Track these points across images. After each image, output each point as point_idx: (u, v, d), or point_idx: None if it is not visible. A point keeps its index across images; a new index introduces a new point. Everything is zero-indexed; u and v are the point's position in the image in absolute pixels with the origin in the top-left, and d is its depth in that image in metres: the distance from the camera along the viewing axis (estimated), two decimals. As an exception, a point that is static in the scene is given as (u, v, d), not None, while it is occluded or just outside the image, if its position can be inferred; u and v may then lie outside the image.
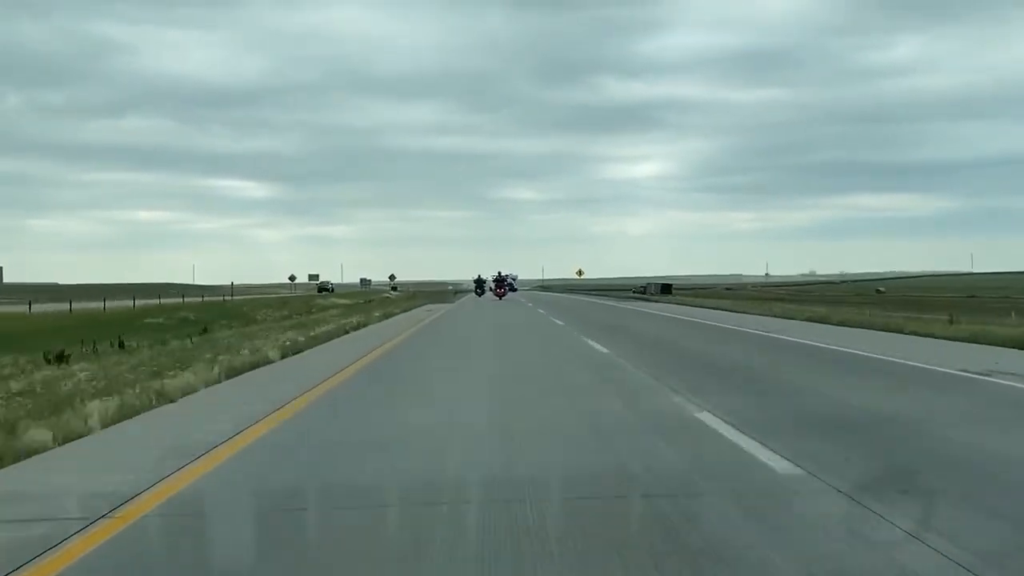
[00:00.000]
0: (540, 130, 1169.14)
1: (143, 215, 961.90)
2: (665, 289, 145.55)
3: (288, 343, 27.15)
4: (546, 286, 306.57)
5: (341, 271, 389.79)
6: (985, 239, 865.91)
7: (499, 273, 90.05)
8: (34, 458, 10.52)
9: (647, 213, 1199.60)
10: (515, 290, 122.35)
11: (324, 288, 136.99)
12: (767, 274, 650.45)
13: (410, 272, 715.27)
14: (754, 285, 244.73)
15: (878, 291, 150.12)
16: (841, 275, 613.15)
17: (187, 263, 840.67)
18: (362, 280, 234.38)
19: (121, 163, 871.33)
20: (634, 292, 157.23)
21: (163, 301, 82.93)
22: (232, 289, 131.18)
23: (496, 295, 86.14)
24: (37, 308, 72.70)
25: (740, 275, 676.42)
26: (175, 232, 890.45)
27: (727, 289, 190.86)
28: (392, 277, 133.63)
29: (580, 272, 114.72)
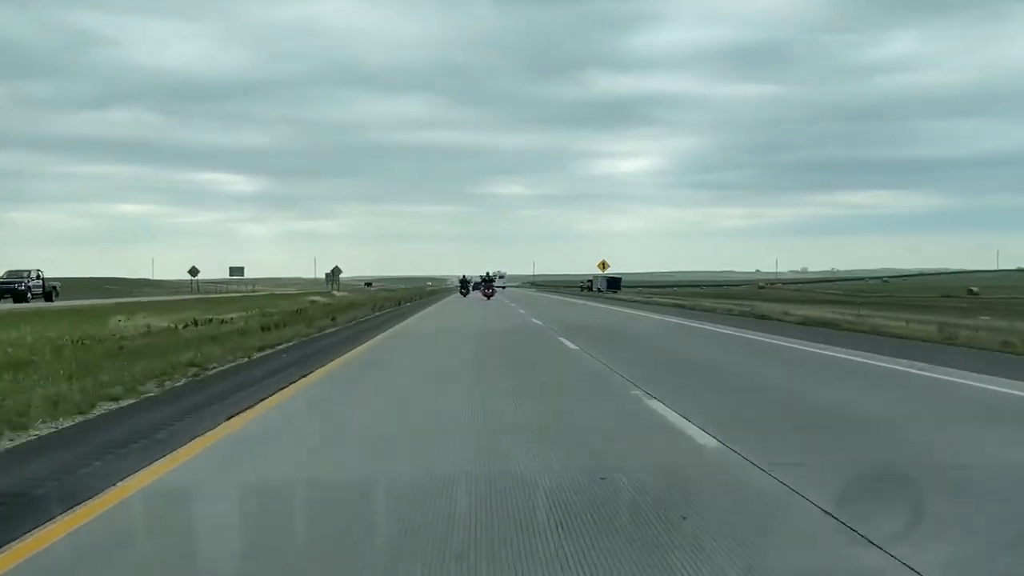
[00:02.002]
0: (529, 125, 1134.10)
1: (126, 208, 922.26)
2: (613, 284, 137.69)
3: None
4: (536, 283, 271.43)
5: (314, 265, 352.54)
6: (982, 237, 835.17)
7: (487, 273, 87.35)
8: None
9: (637, 209, 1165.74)
10: (503, 288, 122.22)
11: (6, 290, 60.98)
12: (757, 270, 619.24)
13: (399, 268, 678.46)
14: (784, 283, 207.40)
15: (971, 292, 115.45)
16: (833, 272, 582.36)
17: (168, 258, 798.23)
18: (327, 276, 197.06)
19: (104, 156, 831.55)
20: (581, 287, 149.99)
21: None
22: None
23: (484, 295, 78.67)
24: None
25: (731, 271, 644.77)
26: (156, 226, 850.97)
27: (760, 288, 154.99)
28: (336, 270, 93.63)
29: (604, 264, 77.95)
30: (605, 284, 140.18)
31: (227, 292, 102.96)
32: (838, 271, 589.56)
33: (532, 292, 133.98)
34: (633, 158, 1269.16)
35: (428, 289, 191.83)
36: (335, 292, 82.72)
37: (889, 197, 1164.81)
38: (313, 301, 60.17)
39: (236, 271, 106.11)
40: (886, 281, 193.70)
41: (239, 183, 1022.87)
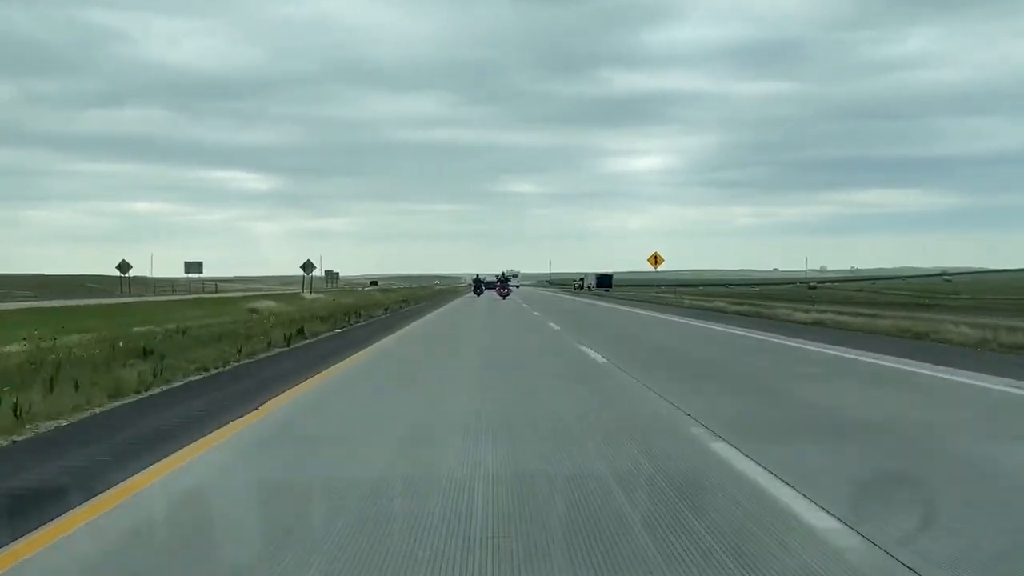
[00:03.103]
0: (542, 123, 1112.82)
1: (137, 206, 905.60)
2: (604, 282, 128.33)
3: None
4: (552, 281, 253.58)
5: (320, 262, 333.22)
6: (1001, 235, 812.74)
7: (502, 273, 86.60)
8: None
9: (651, 207, 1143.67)
10: (517, 287, 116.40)
11: None
12: (775, 268, 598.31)
13: (411, 266, 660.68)
14: (830, 282, 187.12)
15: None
16: (853, 271, 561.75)
17: (173, 256, 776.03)
18: (328, 273, 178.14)
19: (115, 154, 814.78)
20: (575, 286, 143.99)
21: None
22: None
23: (500, 294, 76.86)
24: None
25: (748, 270, 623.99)
26: (165, 224, 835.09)
27: (811, 288, 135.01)
28: (310, 266, 72.86)
29: (656, 259, 58.36)
30: (595, 282, 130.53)
31: (172, 293, 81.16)
32: (858, 270, 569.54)
33: (549, 292, 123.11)
34: (646, 156, 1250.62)
35: (436, 288, 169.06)
36: (305, 294, 62.79)
37: (903, 196, 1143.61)
38: (254, 310, 40.48)
39: (193, 267, 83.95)
40: (949, 280, 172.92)
41: (250, 181, 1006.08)
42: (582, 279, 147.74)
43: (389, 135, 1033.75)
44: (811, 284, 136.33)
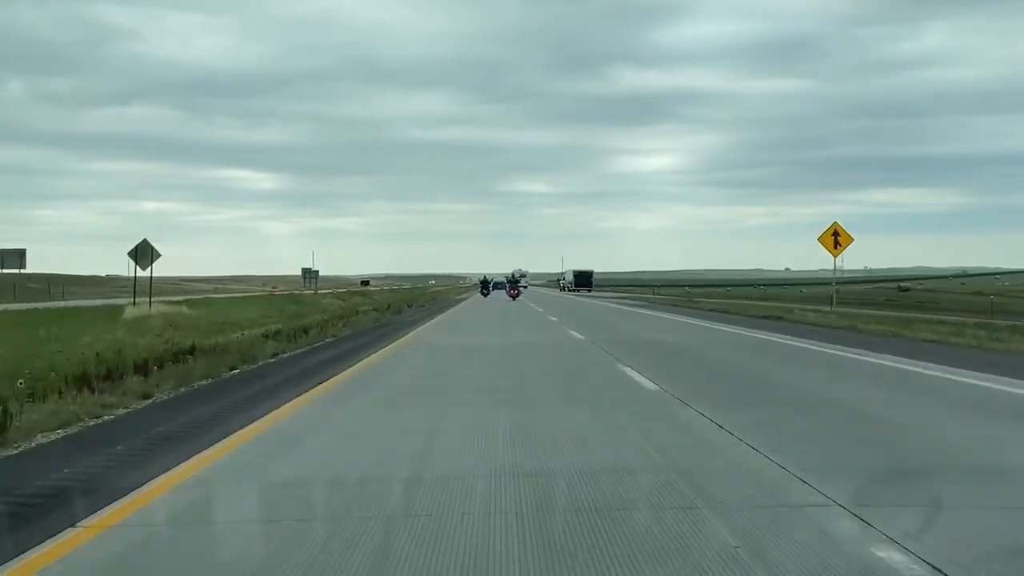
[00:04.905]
0: (553, 122, 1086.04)
1: (146, 206, 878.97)
2: (583, 281, 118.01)
3: None
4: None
5: (312, 258, 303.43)
6: (1012, 234, 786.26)
7: (512, 274, 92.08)
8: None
9: (662, 207, 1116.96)
10: (526, 287, 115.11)
11: None
12: (787, 268, 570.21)
13: (421, 266, 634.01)
14: (888, 280, 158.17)
15: None
16: (867, 270, 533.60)
17: (180, 255, 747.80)
18: (305, 271, 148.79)
19: (125, 152, 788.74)
20: (560, 286, 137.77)
21: None
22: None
23: (509, 295, 75.72)
24: None
25: (760, 269, 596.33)
26: (172, 224, 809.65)
27: (902, 290, 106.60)
28: (144, 248, 43.32)
29: (839, 239, 30.54)
30: (573, 282, 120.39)
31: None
32: (871, 270, 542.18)
33: (558, 296, 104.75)
34: (658, 155, 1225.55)
35: (431, 291, 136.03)
36: (129, 308, 31.32)
37: (915, 195, 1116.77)
38: None
39: (10, 258, 50.78)
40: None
41: (259, 180, 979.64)
42: (563, 276, 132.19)
43: (400, 134, 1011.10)
44: (901, 286, 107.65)
